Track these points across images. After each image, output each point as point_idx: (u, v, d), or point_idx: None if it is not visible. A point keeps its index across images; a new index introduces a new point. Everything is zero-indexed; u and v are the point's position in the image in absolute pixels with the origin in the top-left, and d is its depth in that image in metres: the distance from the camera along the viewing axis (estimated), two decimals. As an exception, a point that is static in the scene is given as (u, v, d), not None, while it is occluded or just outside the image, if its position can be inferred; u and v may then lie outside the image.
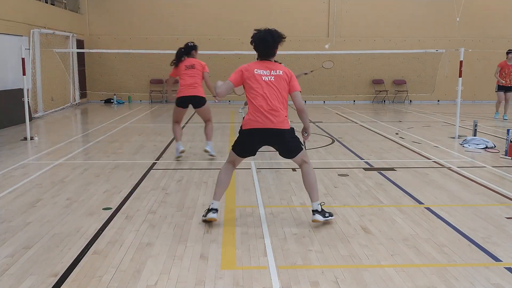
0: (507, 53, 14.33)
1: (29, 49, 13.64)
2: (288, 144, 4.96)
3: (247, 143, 5.00)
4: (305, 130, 5.14)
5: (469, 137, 9.93)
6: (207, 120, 8.61)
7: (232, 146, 5.12)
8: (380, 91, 20.48)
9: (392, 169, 7.70)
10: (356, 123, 13.54)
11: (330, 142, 10.25)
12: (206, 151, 8.42)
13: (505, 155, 8.60)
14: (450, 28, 19.92)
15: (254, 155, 5.15)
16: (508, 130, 8.56)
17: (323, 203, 5.20)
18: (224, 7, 19.75)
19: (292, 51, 19.07)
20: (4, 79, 13.01)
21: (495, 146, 9.43)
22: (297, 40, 19.09)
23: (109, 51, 16.69)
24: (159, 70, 19.93)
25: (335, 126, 12.75)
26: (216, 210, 5.06)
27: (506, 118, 14.37)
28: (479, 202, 5.96)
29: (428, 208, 5.66)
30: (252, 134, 4.92)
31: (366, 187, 6.58)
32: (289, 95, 5.02)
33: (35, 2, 15.27)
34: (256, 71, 4.88)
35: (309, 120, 5.21)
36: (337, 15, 20.19)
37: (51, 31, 15.63)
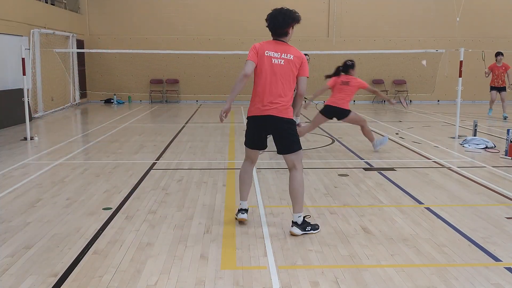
0: (496, 55, 14.82)
1: (29, 49, 13.64)
2: (285, 135, 4.74)
3: (252, 131, 4.89)
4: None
5: (469, 137, 9.93)
6: (360, 126, 9.10)
7: (244, 141, 5.07)
8: (380, 91, 20.47)
9: (392, 169, 7.69)
10: (356, 123, 13.52)
11: (330, 142, 10.25)
12: (376, 151, 9.09)
13: (505, 155, 8.60)
14: (450, 28, 19.92)
15: (263, 146, 4.98)
16: (508, 130, 8.56)
17: (308, 216, 5.00)
18: (224, 7, 19.75)
19: (292, 51, 19.06)
20: (4, 79, 13.01)
21: (495, 146, 9.43)
22: (297, 40, 19.04)
23: (109, 51, 16.68)
24: (159, 70, 19.94)
25: (335, 126, 12.74)
26: (246, 210, 5.06)
27: (506, 116, 14.48)
28: (479, 202, 5.96)
29: (428, 208, 5.66)
30: (255, 121, 4.81)
31: (366, 187, 6.58)
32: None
33: (35, 2, 15.28)
34: (267, 52, 4.71)
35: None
36: (337, 15, 20.19)
37: (51, 31, 15.63)
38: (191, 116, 15.21)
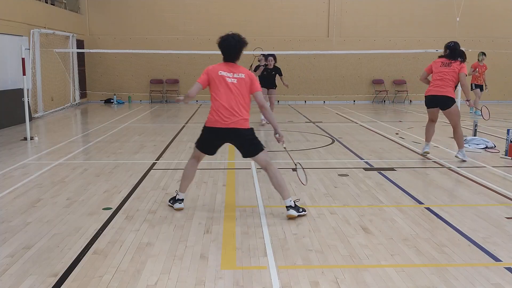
0: (481, 54, 16.00)
1: (29, 49, 13.63)
2: (246, 143, 5.30)
3: (208, 140, 5.37)
4: (275, 132, 5.37)
5: (469, 137, 9.93)
6: (453, 126, 8.16)
7: (195, 142, 5.47)
8: (380, 91, 20.48)
9: (392, 169, 7.69)
10: (356, 123, 13.54)
11: (330, 142, 10.25)
12: (456, 157, 8.37)
13: (505, 155, 8.60)
14: (450, 28, 19.91)
15: (214, 153, 5.51)
16: (508, 130, 8.56)
17: (298, 200, 5.52)
18: (224, 7, 19.75)
19: (292, 51, 19.05)
20: (4, 79, 13.00)
21: (495, 146, 9.43)
22: (297, 40, 19.11)
23: (109, 51, 16.69)
24: (159, 70, 19.95)
25: (335, 126, 12.75)
26: (182, 200, 5.54)
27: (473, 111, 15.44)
28: (479, 202, 5.96)
29: (428, 208, 5.66)
30: (213, 132, 5.26)
31: (366, 187, 6.58)
32: (252, 95, 5.35)
33: (35, 2, 15.28)
34: (220, 72, 5.27)
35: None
36: (337, 15, 20.19)
37: (51, 31, 15.63)
38: (191, 116, 15.20)
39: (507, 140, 8.57)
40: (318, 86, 20.14)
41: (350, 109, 17.87)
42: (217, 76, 5.25)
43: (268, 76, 12.66)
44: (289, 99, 19.49)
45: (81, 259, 4.16)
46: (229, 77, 5.23)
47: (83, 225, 5.01)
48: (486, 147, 9.36)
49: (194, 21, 19.82)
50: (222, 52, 5.40)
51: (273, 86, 12.78)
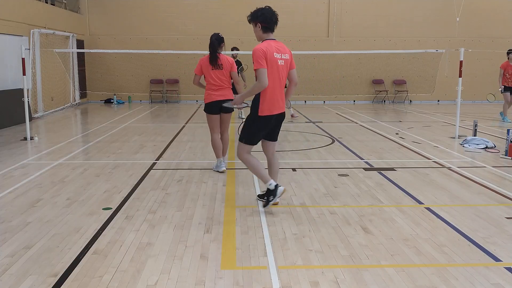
0: (508, 53, 13.88)
1: (29, 49, 13.63)
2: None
3: (267, 128, 5.55)
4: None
5: (469, 137, 9.93)
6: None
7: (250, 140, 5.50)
8: (380, 91, 20.48)
9: (392, 169, 7.69)
10: (356, 123, 13.54)
11: (330, 142, 10.25)
12: None
13: (505, 155, 8.60)
14: (450, 28, 19.93)
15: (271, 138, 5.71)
16: (508, 130, 8.56)
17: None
18: (224, 7, 19.76)
19: (292, 51, 19.02)
20: (4, 79, 13.01)
21: (495, 146, 9.43)
22: (297, 40, 19.12)
23: (109, 51, 16.68)
24: (159, 70, 19.94)
25: (335, 126, 12.75)
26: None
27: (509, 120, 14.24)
28: (479, 202, 5.96)
29: (428, 208, 5.66)
30: (269, 119, 5.48)
31: (366, 187, 6.58)
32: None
33: (35, 2, 15.27)
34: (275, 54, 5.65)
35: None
36: (337, 15, 20.19)
37: (51, 31, 15.63)
38: (191, 116, 15.20)
39: (507, 140, 8.57)
40: (318, 86, 20.13)
41: (350, 109, 17.87)
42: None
43: None
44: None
45: (81, 259, 4.16)
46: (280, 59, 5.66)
47: (83, 225, 5.01)
48: (486, 147, 9.36)
49: (194, 21, 19.83)
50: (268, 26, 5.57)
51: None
